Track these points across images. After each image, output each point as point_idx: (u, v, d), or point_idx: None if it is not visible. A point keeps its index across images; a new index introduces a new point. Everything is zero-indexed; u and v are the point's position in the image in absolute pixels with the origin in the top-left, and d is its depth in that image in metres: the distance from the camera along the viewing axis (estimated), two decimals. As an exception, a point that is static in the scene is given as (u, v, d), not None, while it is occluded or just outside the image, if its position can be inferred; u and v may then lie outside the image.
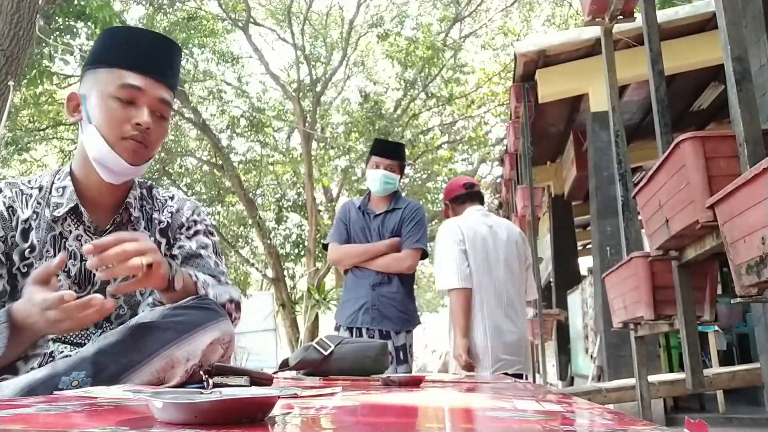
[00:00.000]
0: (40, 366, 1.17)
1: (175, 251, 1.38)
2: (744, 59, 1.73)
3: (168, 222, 1.40)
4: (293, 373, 1.72)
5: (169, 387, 1.05)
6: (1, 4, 4.18)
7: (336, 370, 1.65)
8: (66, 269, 1.26)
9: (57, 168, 1.37)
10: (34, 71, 5.95)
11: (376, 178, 3.03)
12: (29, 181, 1.32)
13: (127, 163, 1.24)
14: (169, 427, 0.59)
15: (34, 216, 1.27)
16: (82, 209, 1.29)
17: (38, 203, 1.29)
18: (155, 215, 1.39)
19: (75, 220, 1.29)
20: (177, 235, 1.40)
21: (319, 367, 1.66)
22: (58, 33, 6.42)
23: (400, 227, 2.99)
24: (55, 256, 1.25)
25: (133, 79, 1.25)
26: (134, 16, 12.56)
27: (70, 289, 1.24)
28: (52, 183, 1.31)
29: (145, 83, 1.26)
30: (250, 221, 13.33)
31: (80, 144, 1.32)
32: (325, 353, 1.66)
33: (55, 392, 1.01)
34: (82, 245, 1.27)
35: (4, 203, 1.26)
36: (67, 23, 6.34)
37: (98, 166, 1.27)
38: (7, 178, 1.35)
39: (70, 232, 1.29)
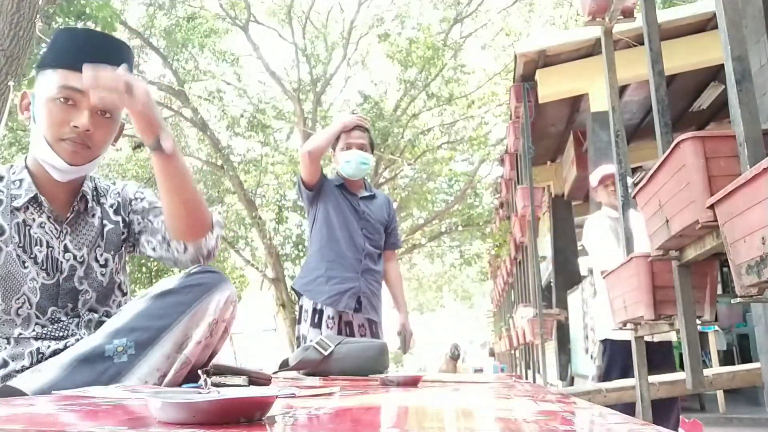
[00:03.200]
0: (31, 365, 1.20)
1: (132, 217, 1.44)
2: (744, 59, 1.72)
3: (117, 202, 1.46)
4: (293, 373, 1.72)
5: (167, 384, 1.06)
6: (1, 4, 4.18)
7: (336, 370, 1.65)
8: (33, 256, 1.30)
9: (9, 165, 1.40)
10: (32, 71, 5.96)
11: (352, 160, 2.71)
12: None
13: (66, 163, 1.27)
14: (167, 427, 0.59)
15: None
16: (42, 198, 1.33)
17: (1, 191, 1.32)
18: (105, 201, 1.45)
19: (37, 209, 1.33)
20: (127, 208, 1.46)
21: (318, 367, 1.66)
22: (58, 33, 6.42)
23: (384, 219, 2.86)
24: (20, 242, 1.29)
25: (73, 80, 1.25)
26: (134, 16, 12.57)
27: (38, 275, 1.29)
28: (8, 176, 1.34)
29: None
30: (249, 221, 13.32)
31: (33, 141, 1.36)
32: (325, 353, 1.66)
33: (88, 391, 1.02)
34: (46, 232, 1.32)
35: None
36: (67, 23, 6.34)
37: (44, 164, 1.31)
38: None
39: (33, 220, 1.32)
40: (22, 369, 1.19)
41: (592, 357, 5.77)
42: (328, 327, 2.61)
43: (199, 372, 0.88)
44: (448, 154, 14.00)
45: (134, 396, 0.72)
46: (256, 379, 0.90)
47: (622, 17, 3.14)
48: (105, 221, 1.42)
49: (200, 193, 1.38)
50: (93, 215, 1.41)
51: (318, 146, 2.64)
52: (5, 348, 1.24)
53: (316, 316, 2.62)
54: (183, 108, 12.17)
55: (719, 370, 3.31)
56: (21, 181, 1.33)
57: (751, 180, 1.35)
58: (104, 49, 1.33)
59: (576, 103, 6.62)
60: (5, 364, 1.22)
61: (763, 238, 1.34)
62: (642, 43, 2.69)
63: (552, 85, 6.05)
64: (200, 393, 0.70)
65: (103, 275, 1.38)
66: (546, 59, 5.88)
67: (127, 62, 1.34)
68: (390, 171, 13.91)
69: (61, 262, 1.33)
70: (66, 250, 1.34)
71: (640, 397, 2.80)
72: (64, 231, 1.35)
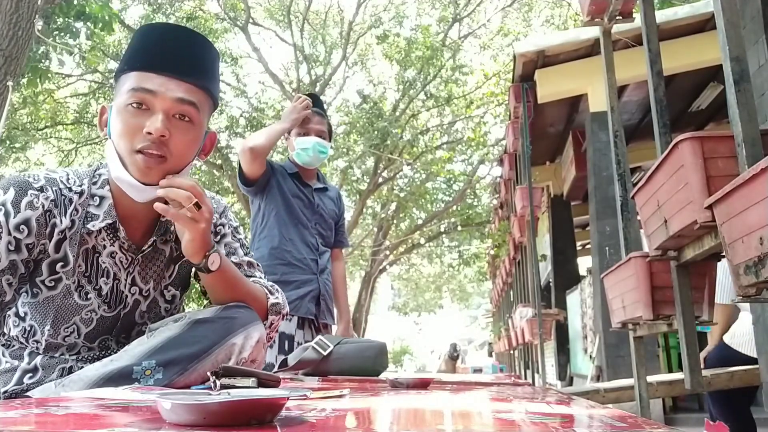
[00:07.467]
0: (60, 377, 1.15)
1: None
2: (742, 60, 1.73)
3: None
4: (292, 374, 1.72)
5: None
6: (0, 4, 4.18)
7: (335, 370, 1.65)
8: (97, 287, 1.20)
9: (96, 167, 1.24)
10: (30, 70, 5.95)
11: (309, 147, 2.52)
12: (68, 179, 1.19)
13: (138, 182, 1.11)
14: (177, 429, 0.59)
15: (70, 225, 1.17)
16: (120, 227, 1.19)
17: (76, 210, 1.17)
18: None
19: (110, 236, 1.20)
20: None
21: (318, 367, 1.66)
22: (57, 33, 6.41)
23: (335, 214, 2.66)
24: (86, 270, 1.18)
25: (145, 80, 1.11)
26: (133, 15, 12.56)
27: (98, 308, 1.20)
28: (89, 191, 1.20)
29: (159, 84, 1.11)
30: (249, 221, 13.33)
31: None
32: (324, 353, 1.66)
33: (124, 386, 1.00)
34: (115, 263, 1.21)
35: (43, 206, 1.14)
36: (66, 23, 6.34)
37: (119, 182, 1.16)
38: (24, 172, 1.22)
39: (104, 247, 1.19)
40: (49, 381, 1.14)
41: (591, 357, 5.78)
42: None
43: (209, 374, 0.89)
44: (446, 155, 14.00)
45: (144, 397, 0.73)
46: (266, 381, 0.91)
47: (620, 18, 3.15)
48: (179, 251, 1.26)
49: (252, 291, 1.26)
50: (165, 241, 1.27)
51: (262, 145, 2.40)
52: (41, 354, 1.18)
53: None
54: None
55: (718, 371, 3.31)
56: (102, 199, 1.19)
57: (750, 180, 1.36)
58: (177, 42, 1.17)
59: (575, 103, 6.63)
60: (35, 370, 1.16)
61: (761, 239, 1.35)
62: (641, 44, 2.70)
63: (551, 86, 6.06)
64: (210, 394, 0.70)
65: (167, 311, 1.30)
66: (545, 59, 5.88)
67: (208, 56, 1.21)
68: (389, 171, 13.91)
69: (126, 296, 1.23)
70: (133, 283, 1.24)
71: (638, 398, 2.81)
72: (135, 262, 1.23)
